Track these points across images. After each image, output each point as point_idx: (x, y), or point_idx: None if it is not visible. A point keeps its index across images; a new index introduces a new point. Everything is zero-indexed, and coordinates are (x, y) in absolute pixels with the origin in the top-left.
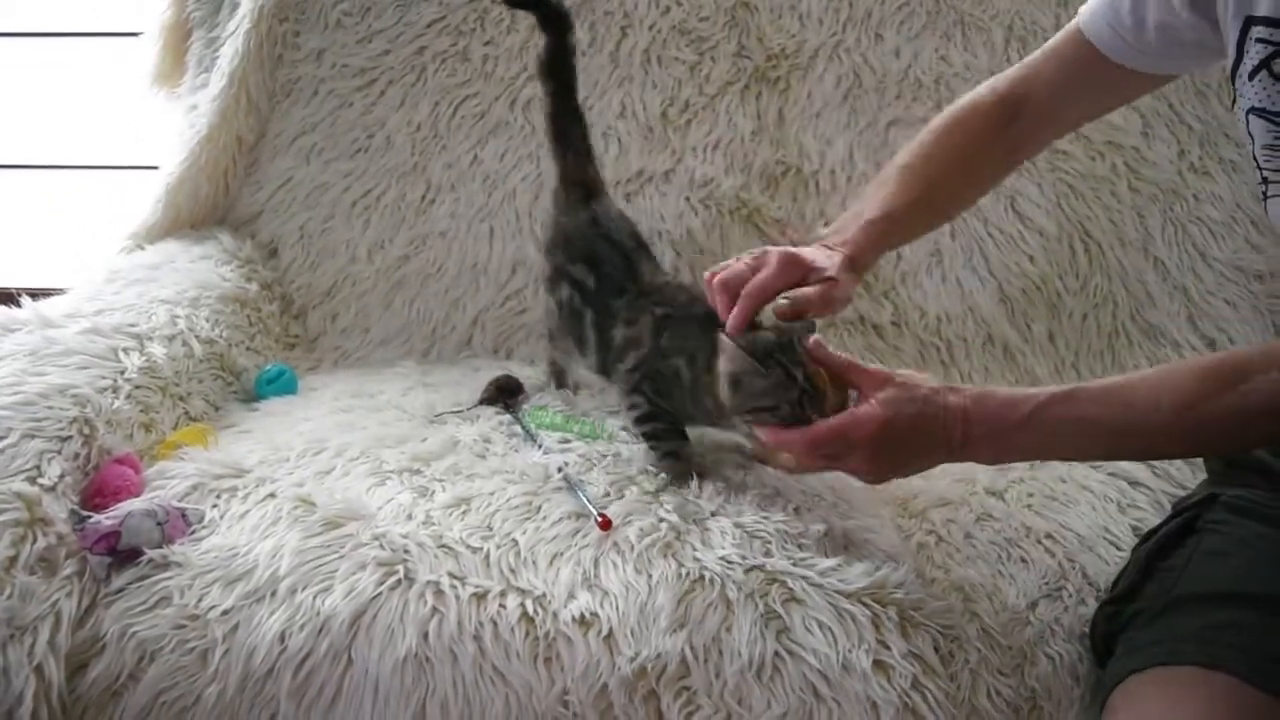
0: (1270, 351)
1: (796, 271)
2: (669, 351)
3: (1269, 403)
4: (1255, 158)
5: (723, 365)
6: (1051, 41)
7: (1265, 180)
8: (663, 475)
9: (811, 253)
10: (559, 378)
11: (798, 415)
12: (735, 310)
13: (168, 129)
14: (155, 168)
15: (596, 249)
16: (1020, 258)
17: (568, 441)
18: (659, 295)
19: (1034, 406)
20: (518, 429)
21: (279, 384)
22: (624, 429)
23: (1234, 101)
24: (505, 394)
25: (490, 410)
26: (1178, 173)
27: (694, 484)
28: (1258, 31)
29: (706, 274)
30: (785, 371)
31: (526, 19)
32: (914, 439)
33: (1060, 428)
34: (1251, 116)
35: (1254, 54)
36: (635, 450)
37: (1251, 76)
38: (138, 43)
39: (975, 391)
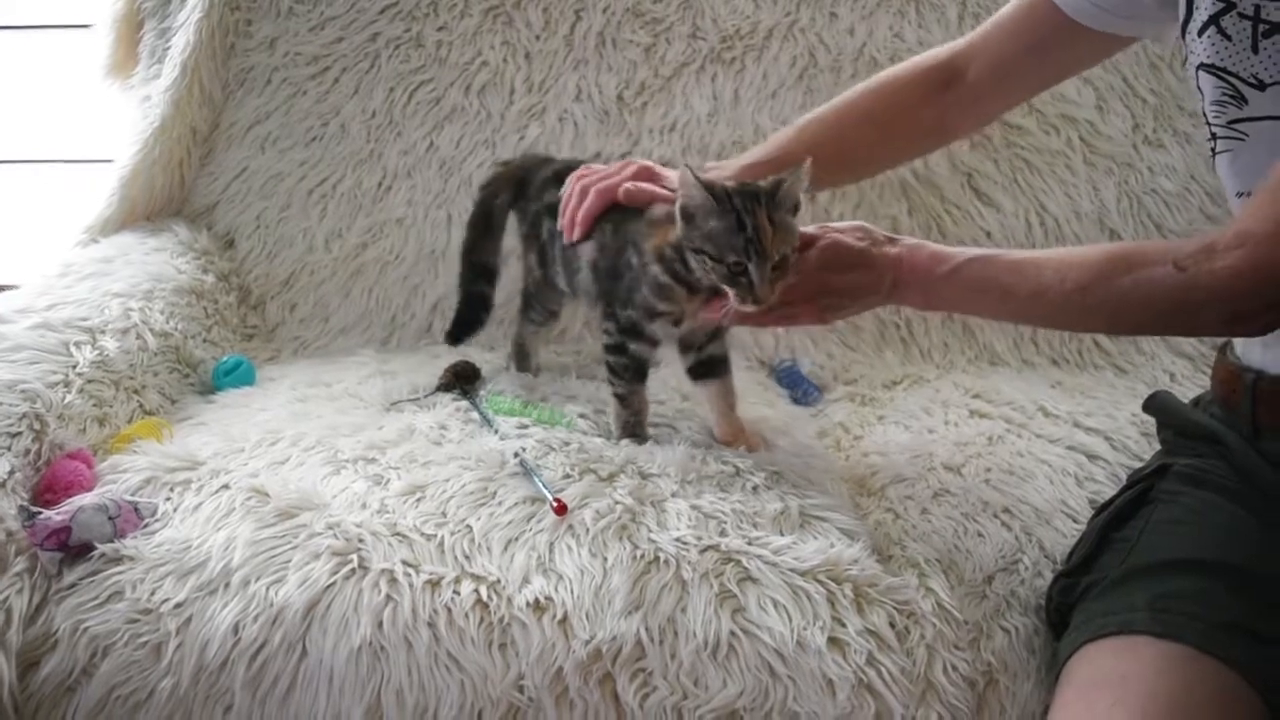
0: (1167, 248)
1: (647, 176)
2: (615, 245)
3: (1148, 294)
4: (1205, 114)
5: (678, 199)
6: (1001, 11)
7: (1214, 136)
8: (610, 422)
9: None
10: (521, 359)
11: (740, 266)
12: (586, 202)
13: (121, 121)
14: (109, 161)
15: (560, 169)
16: (977, 233)
17: (525, 427)
18: None
19: (957, 264)
20: (475, 415)
21: (236, 375)
22: (583, 416)
23: (1185, 60)
24: (462, 380)
25: (447, 397)
26: (1132, 145)
27: (649, 455)
28: None
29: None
30: (738, 217)
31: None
32: (851, 280)
33: (977, 285)
34: (1201, 72)
35: (1204, 10)
36: (593, 438)
37: (1201, 32)
38: (89, 35)
39: (911, 242)
